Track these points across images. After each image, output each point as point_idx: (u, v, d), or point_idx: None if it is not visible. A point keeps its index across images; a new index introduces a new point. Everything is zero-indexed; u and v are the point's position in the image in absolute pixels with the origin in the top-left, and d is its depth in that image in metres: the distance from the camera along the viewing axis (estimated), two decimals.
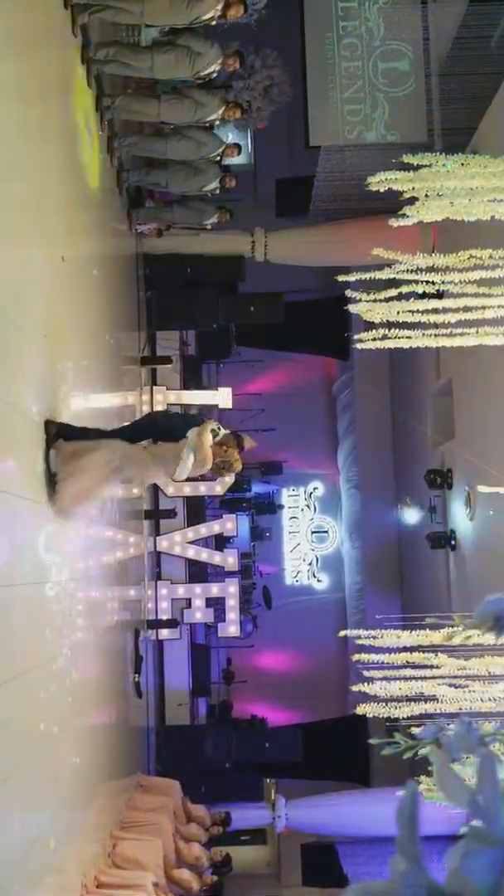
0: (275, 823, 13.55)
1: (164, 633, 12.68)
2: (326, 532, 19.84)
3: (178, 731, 13.44)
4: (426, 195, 7.37)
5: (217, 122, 10.09)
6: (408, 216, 7.34)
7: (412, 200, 7.50)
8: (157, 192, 11.74)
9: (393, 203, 8.26)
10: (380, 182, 7.52)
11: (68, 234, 7.04)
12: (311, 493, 19.84)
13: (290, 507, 19.76)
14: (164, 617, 12.54)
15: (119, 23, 8.72)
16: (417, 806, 1.08)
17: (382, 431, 17.20)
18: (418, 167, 7.65)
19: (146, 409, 12.10)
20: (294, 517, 19.81)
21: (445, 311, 7.29)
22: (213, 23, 8.69)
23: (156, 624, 12.41)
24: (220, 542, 14.19)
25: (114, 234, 10.38)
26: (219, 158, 10.30)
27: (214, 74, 9.21)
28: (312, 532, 19.84)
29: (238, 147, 10.60)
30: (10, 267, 4.98)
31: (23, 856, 4.87)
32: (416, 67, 12.46)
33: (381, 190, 7.59)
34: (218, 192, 10.81)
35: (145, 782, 10.41)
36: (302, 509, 19.84)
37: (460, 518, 12.52)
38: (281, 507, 19.47)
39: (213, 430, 6.00)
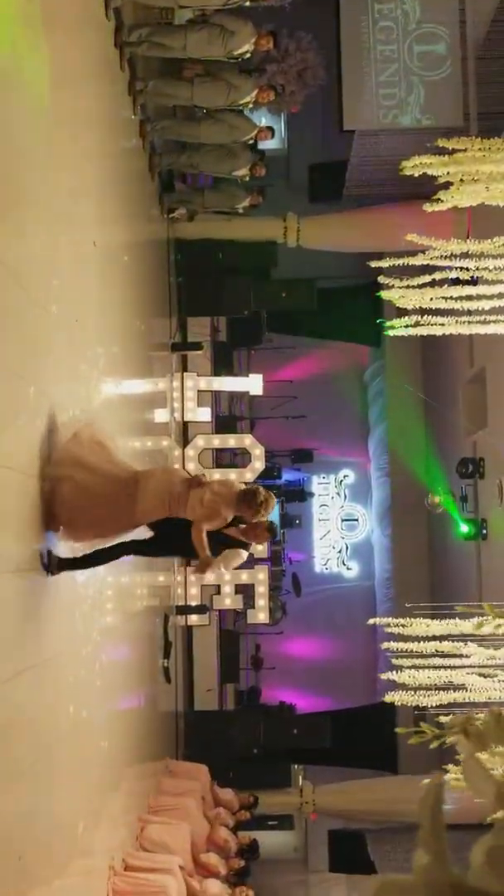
0: (302, 809, 13.58)
1: (194, 618, 12.70)
2: (356, 520, 19.77)
3: (206, 717, 13.49)
4: (461, 180, 7.27)
5: (250, 106, 10.01)
6: (442, 201, 7.25)
7: (447, 185, 7.40)
8: (188, 177, 11.70)
9: (427, 188, 8.16)
10: (414, 166, 7.43)
11: (100, 220, 7.03)
12: (342, 480, 19.77)
13: (320, 495, 19.70)
14: (194, 603, 12.56)
15: (152, 5, 8.68)
16: (442, 799, 1.04)
17: (414, 419, 17.08)
18: (453, 151, 7.55)
19: (176, 396, 12.08)
20: (324, 505, 19.75)
21: (479, 297, 7.20)
22: (248, 3, 8.62)
23: (185, 610, 12.44)
24: None
25: (145, 220, 10.36)
26: (252, 142, 10.23)
27: (248, 55, 9.14)
28: (342, 520, 19.78)
29: (271, 130, 10.53)
30: (42, 252, 4.97)
31: (51, 839, 4.91)
32: (453, 50, 12.29)
33: (416, 174, 7.49)
34: (248, 178, 10.75)
35: (173, 767, 10.46)
36: (332, 497, 19.78)
37: (492, 507, 12.41)
38: (311, 494, 19.42)
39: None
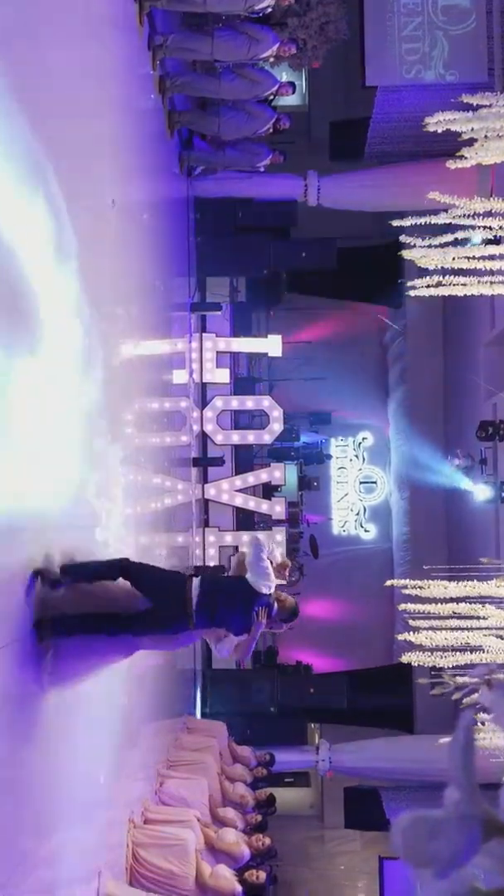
0: (318, 767, 13.75)
1: None
2: (375, 482, 19.75)
3: (224, 676, 13.62)
4: (485, 136, 7.16)
5: (271, 61, 9.85)
6: (466, 158, 7.14)
7: (471, 142, 7.28)
8: (208, 134, 11.56)
9: (451, 145, 8.03)
10: (437, 123, 7.31)
11: (118, 178, 6.96)
12: (360, 443, 19.73)
13: (338, 458, 19.68)
14: (212, 563, 12.64)
15: None
16: (473, 735, 1.05)
17: (434, 381, 16.97)
18: (478, 107, 7.41)
19: (195, 357, 12.04)
20: (342, 467, 19.73)
21: (502, 257, 7.11)
22: None
23: (203, 570, 12.52)
24: (268, 490, 14.20)
25: (164, 178, 10.26)
26: (272, 98, 10.08)
27: (269, 9, 8.97)
28: (360, 482, 19.77)
29: (292, 86, 10.36)
30: (60, 211, 4.93)
31: (72, 791, 4.99)
32: (478, 4, 12.01)
33: (439, 131, 7.37)
34: (270, 133, 10.61)
35: (192, 724, 10.60)
36: (350, 459, 19.75)
37: None
38: (329, 456, 19.39)
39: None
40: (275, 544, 4.94)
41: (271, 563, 4.78)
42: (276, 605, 4.75)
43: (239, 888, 6.80)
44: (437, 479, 15.82)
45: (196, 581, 4.59)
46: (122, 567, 4.59)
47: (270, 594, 4.70)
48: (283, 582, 5.13)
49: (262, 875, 7.32)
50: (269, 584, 4.67)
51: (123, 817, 6.57)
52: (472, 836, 0.96)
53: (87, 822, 5.38)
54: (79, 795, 5.19)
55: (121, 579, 4.53)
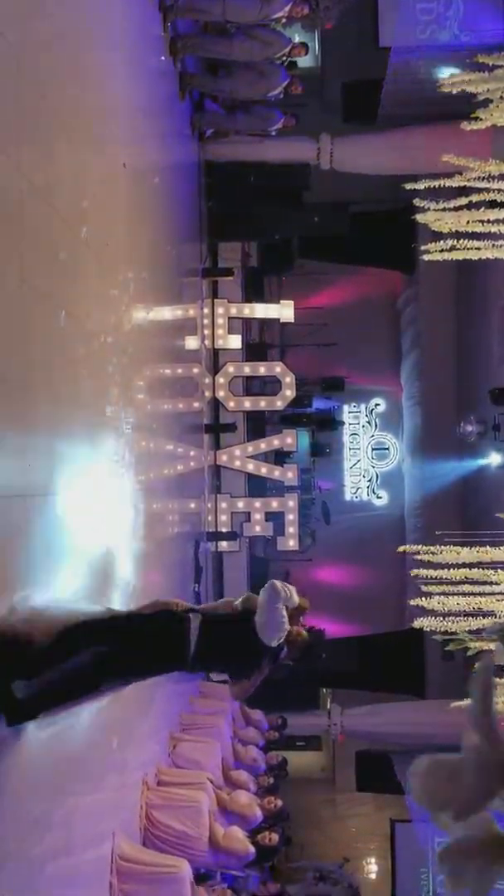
0: (330, 730, 13.87)
1: (224, 545, 12.84)
2: (387, 449, 19.72)
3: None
4: (501, 97, 7.05)
5: (283, 21, 9.69)
6: (481, 119, 7.04)
7: (486, 103, 7.17)
8: (220, 97, 11.41)
9: (465, 107, 7.89)
10: (452, 83, 7.20)
11: (129, 140, 6.89)
12: (373, 409, 19.66)
13: (350, 424, 19.64)
14: (224, 529, 12.68)
15: None
16: (492, 679, 1.05)
17: (447, 347, 16.86)
18: (493, 68, 7.29)
19: (207, 323, 11.99)
20: (355, 434, 19.70)
21: None
22: None
23: (215, 536, 12.56)
24: (280, 457, 14.20)
25: (176, 141, 10.15)
26: (285, 60, 9.93)
27: None
28: (373, 449, 19.74)
29: (305, 46, 10.20)
30: (71, 173, 4.89)
31: (86, 754, 5.05)
32: None
33: (454, 92, 7.26)
34: (282, 97, 10.46)
35: (205, 688, 10.69)
36: (363, 426, 19.71)
37: None
38: (341, 423, 19.35)
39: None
40: (290, 589, 4.12)
41: (286, 608, 4.23)
42: (285, 647, 4.25)
43: (252, 849, 6.89)
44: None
45: (195, 626, 3.98)
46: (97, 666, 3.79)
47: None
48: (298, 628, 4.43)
49: (275, 837, 7.42)
50: (279, 636, 4.19)
51: (137, 780, 6.65)
52: (490, 779, 0.96)
53: (100, 785, 5.45)
54: (93, 758, 5.25)
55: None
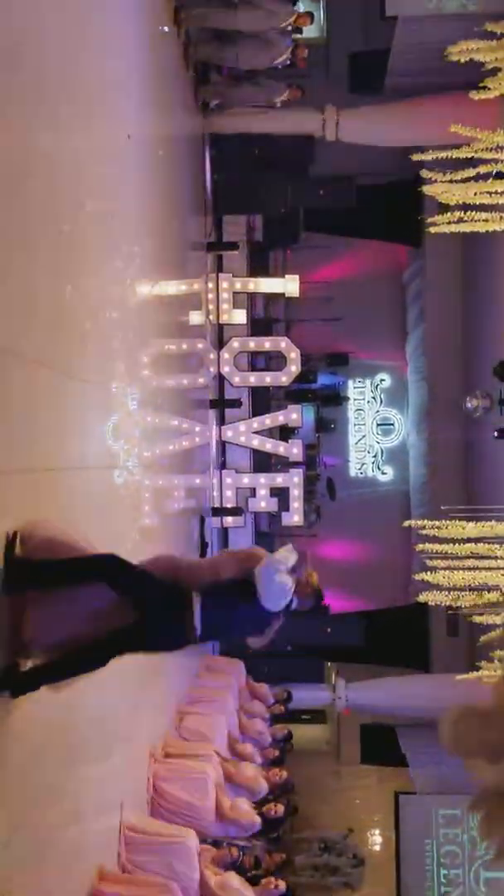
0: (335, 704, 13.94)
1: (229, 520, 12.84)
2: (392, 425, 19.68)
3: None
4: None
5: None
6: (490, 89, 6.96)
7: (494, 72, 7.08)
8: (224, 68, 11.28)
9: (473, 76, 7.79)
10: (460, 52, 7.12)
11: (134, 112, 6.82)
12: (378, 385, 19.61)
13: (355, 399, 19.59)
14: (229, 505, 12.68)
15: None
16: None
17: (453, 322, 16.77)
18: (502, 37, 7.19)
19: (211, 298, 11.93)
20: (360, 409, 19.66)
21: None
22: None
23: (221, 511, 12.56)
24: (285, 432, 14.17)
25: (181, 113, 10.06)
26: (290, 29, 9.80)
27: None
28: (378, 424, 19.71)
29: (310, 16, 10.06)
30: (76, 144, 4.84)
31: (93, 727, 5.07)
32: None
33: (462, 61, 7.17)
34: (289, 63, 10.33)
35: (211, 662, 10.74)
36: (368, 402, 19.66)
37: None
38: (346, 399, 19.31)
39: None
40: (286, 555, 3.77)
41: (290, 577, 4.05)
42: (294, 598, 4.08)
43: (258, 820, 6.95)
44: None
45: (198, 607, 3.88)
46: (104, 565, 3.87)
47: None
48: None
49: (281, 808, 7.48)
50: (283, 602, 4.04)
51: (144, 752, 6.70)
52: None
53: (108, 757, 5.48)
54: (100, 731, 5.27)
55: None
